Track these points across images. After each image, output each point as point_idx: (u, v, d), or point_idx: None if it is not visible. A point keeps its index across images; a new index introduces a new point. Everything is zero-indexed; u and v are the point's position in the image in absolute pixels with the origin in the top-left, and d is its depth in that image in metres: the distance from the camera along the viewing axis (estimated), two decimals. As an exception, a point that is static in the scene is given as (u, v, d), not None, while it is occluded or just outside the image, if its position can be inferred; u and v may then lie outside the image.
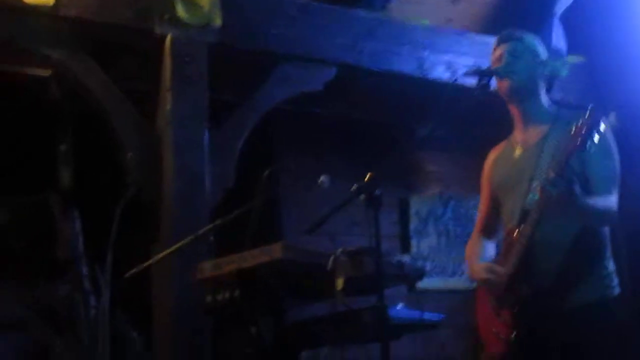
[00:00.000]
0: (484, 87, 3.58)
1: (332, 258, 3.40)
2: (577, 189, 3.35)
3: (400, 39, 6.08)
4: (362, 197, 3.24)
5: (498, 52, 3.87)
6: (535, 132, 3.80)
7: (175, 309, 4.86)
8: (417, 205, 7.59)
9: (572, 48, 6.74)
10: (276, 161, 6.56)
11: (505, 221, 3.85)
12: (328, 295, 3.47)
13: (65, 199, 5.60)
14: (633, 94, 6.87)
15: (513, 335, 3.64)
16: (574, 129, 3.30)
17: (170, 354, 4.91)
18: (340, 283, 3.35)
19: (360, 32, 5.90)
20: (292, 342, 3.79)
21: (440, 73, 6.18)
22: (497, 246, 4.06)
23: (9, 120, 5.63)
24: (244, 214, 3.94)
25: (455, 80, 3.71)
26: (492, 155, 4.06)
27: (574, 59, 6.85)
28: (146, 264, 4.18)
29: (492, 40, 6.28)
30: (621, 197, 3.70)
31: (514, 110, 3.89)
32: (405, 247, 7.46)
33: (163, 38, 5.15)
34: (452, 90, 3.51)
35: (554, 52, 4.05)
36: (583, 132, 3.26)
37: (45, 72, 5.60)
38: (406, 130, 7.25)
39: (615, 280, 3.71)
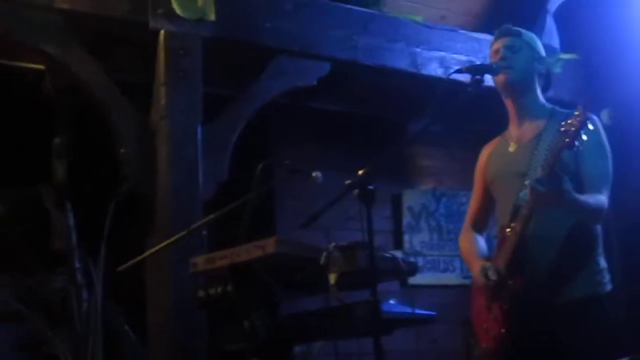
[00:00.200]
0: (477, 82, 3.58)
1: (325, 253, 3.41)
2: (567, 186, 3.36)
3: (394, 35, 6.10)
4: (356, 191, 3.24)
5: (496, 46, 3.87)
6: (530, 128, 3.81)
7: (169, 302, 4.87)
8: (410, 200, 7.60)
9: (565, 45, 6.76)
10: (270, 155, 6.56)
11: (498, 217, 3.86)
12: (321, 290, 3.48)
13: (60, 192, 5.60)
14: (626, 91, 6.89)
15: (502, 332, 3.65)
16: (563, 127, 3.30)
17: (163, 347, 4.93)
18: (333, 278, 3.36)
19: (355, 27, 5.92)
20: (286, 336, 3.79)
21: (433, 69, 6.20)
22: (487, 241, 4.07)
23: (3, 113, 5.62)
24: (238, 207, 3.94)
25: (449, 76, 3.69)
26: (487, 151, 4.06)
27: (566, 56, 6.87)
28: (140, 257, 4.18)
29: (485, 37, 6.40)
30: (614, 195, 3.72)
31: (510, 106, 3.90)
32: (398, 243, 7.48)
33: (157, 32, 5.15)
34: (446, 85, 3.51)
35: (546, 49, 4.04)
36: (572, 130, 3.26)
37: (39, 65, 5.60)
38: (400, 125, 7.26)
39: (607, 277, 3.72)
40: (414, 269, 3.82)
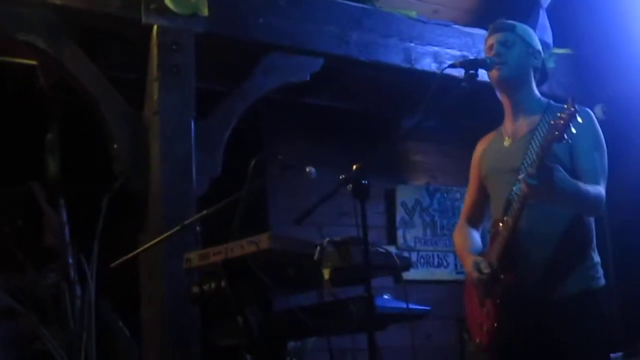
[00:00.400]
0: (471, 77, 3.57)
1: (318, 248, 3.41)
2: (560, 174, 3.34)
3: (388, 30, 6.10)
4: (350, 186, 3.24)
5: (490, 42, 3.86)
6: (525, 123, 3.80)
7: (163, 298, 4.86)
8: (404, 196, 7.61)
9: (559, 40, 6.76)
10: (264, 151, 6.56)
11: (492, 212, 3.86)
12: (315, 286, 3.47)
13: (52, 189, 5.58)
14: (620, 86, 6.90)
15: (495, 326, 3.65)
16: (553, 121, 3.29)
17: (157, 343, 4.92)
18: (327, 273, 3.36)
19: (348, 23, 5.91)
20: (279, 332, 3.79)
21: (427, 64, 6.21)
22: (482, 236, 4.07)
23: (-5, 109, 5.62)
24: (231, 203, 3.94)
25: (443, 71, 3.68)
26: (481, 145, 4.05)
27: (560, 51, 6.87)
28: (133, 253, 4.17)
29: (479, 32, 6.40)
30: (609, 189, 3.71)
31: (505, 101, 3.89)
32: (392, 238, 7.48)
33: (150, 27, 5.14)
34: (439, 80, 3.49)
35: (540, 44, 4.02)
36: (561, 123, 3.24)
37: (31, 61, 5.58)
38: (393, 120, 7.27)
39: (600, 272, 3.72)
40: (407, 265, 3.81)
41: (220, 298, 3.71)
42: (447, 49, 6.34)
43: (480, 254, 3.86)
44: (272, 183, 6.48)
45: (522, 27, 3.89)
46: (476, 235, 4.04)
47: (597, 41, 7.06)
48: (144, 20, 5.10)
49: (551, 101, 3.84)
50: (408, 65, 6.13)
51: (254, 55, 5.56)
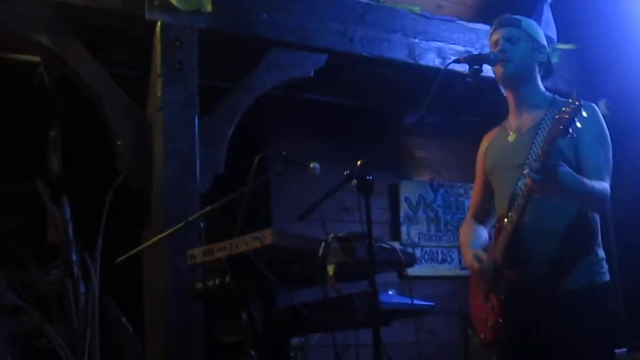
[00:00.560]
0: (475, 72, 3.57)
1: (323, 244, 3.40)
2: (564, 169, 3.33)
3: (391, 26, 6.09)
4: (354, 182, 3.24)
5: (495, 37, 3.84)
6: (529, 118, 3.79)
7: (166, 294, 4.86)
8: (408, 191, 7.61)
9: (562, 35, 6.75)
10: (267, 147, 6.56)
11: (497, 207, 3.86)
12: (319, 281, 3.47)
13: (55, 185, 5.59)
14: (623, 81, 6.89)
15: (500, 322, 3.65)
16: (557, 115, 3.28)
17: (160, 339, 4.92)
18: (331, 269, 3.35)
19: (351, 18, 5.91)
20: (283, 328, 3.79)
21: (431, 60, 6.20)
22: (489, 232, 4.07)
23: (-2, 107, 5.62)
24: (235, 199, 3.93)
25: (447, 66, 3.67)
26: (486, 140, 4.05)
27: (564, 46, 6.86)
28: (136, 249, 4.17)
29: (483, 27, 6.39)
30: (613, 185, 3.71)
31: (509, 96, 3.88)
32: (395, 234, 7.48)
33: (153, 24, 5.14)
34: (443, 76, 3.49)
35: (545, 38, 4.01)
36: (566, 117, 3.23)
37: (34, 58, 5.58)
38: (397, 116, 7.26)
39: (605, 267, 3.71)
40: (412, 260, 3.82)
41: (224, 294, 3.72)
42: (451, 45, 6.33)
43: (485, 248, 3.85)
44: (275, 179, 6.48)
45: (528, 22, 3.88)
46: (482, 231, 4.03)
47: (601, 36, 7.05)
48: (147, 16, 5.10)
49: (556, 96, 3.83)
50: (412, 61, 6.13)
51: (257, 51, 5.55)
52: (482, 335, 3.80)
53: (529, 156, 3.64)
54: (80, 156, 5.75)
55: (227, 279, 3.66)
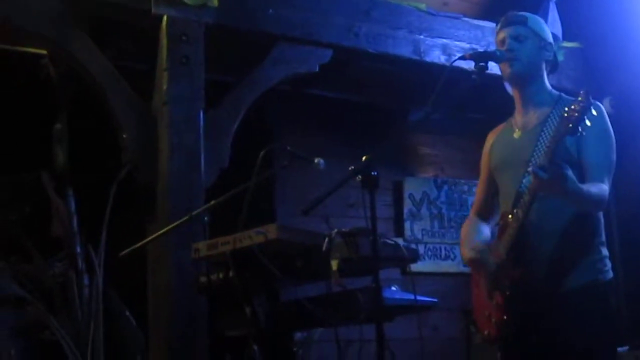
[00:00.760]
0: (481, 69, 3.57)
1: (327, 239, 3.41)
2: (569, 173, 3.34)
3: (397, 22, 6.09)
4: (359, 177, 3.24)
5: (501, 35, 3.82)
6: (535, 116, 3.78)
7: (170, 288, 4.87)
8: (412, 188, 7.62)
9: (567, 33, 6.75)
10: (272, 142, 6.56)
11: (501, 204, 3.86)
12: (323, 276, 3.48)
13: (60, 178, 5.59)
14: (628, 80, 6.89)
15: (504, 319, 3.65)
16: (566, 113, 3.28)
17: (164, 332, 4.93)
18: (335, 264, 3.36)
19: (357, 14, 5.91)
20: (287, 322, 3.79)
21: (436, 56, 6.20)
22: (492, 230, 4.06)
23: (4, 99, 5.62)
24: (240, 194, 3.94)
25: (453, 63, 3.68)
26: (492, 137, 4.04)
27: (569, 44, 6.86)
28: (141, 243, 4.18)
29: (488, 24, 6.39)
30: (615, 184, 3.71)
31: (515, 94, 3.86)
32: (399, 230, 7.49)
33: (160, 18, 5.15)
34: (448, 73, 3.49)
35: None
36: (575, 116, 3.23)
37: (41, 51, 5.59)
38: (401, 112, 7.27)
39: (609, 265, 3.71)
40: (415, 256, 3.82)
41: (228, 288, 3.72)
42: (456, 42, 6.33)
43: (487, 246, 3.85)
44: (280, 174, 6.49)
45: (534, 20, 3.86)
46: (484, 228, 4.02)
47: (606, 35, 7.05)
48: (153, 10, 5.11)
49: (562, 94, 3.83)
50: (417, 58, 6.13)
51: (263, 46, 5.56)
52: (485, 332, 3.80)
53: (535, 153, 3.64)
54: (86, 149, 5.75)
55: (231, 273, 3.67)
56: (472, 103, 5.93)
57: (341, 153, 5.81)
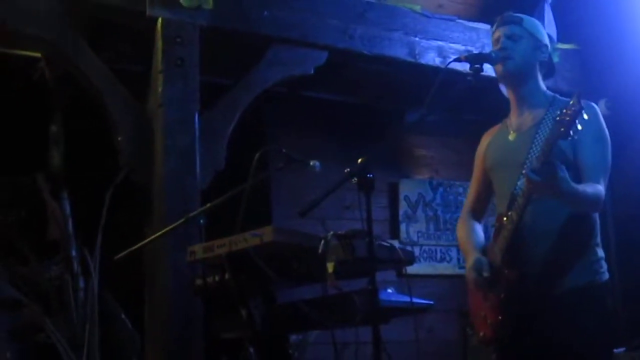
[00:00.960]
0: (476, 72, 3.57)
1: (323, 241, 3.41)
2: (563, 174, 3.34)
3: (392, 24, 6.10)
4: (355, 179, 3.24)
5: (496, 35, 3.83)
6: (530, 117, 3.79)
7: (166, 291, 4.87)
8: (407, 190, 7.62)
9: (563, 35, 6.76)
10: (268, 144, 6.56)
11: (497, 205, 3.86)
12: (319, 279, 3.48)
13: (56, 181, 5.59)
14: (623, 81, 6.90)
15: (500, 320, 3.65)
16: (558, 117, 3.28)
17: (160, 335, 4.93)
18: (331, 266, 3.36)
19: (352, 16, 5.91)
20: (282, 325, 3.80)
21: (431, 58, 6.21)
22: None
23: (0, 102, 5.61)
24: (235, 196, 3.94)
25: (448, 65, 3.68)
26: (486, 138, 4.04)
27: (564, 46, 6.87)
28: (137, 245, 4.17)
29: (483, 26, 6.40)
30: (612, 185, 3.71)
31: (510, 95, 3.87)
32: (395, 232, 7.49)
33: (155, 20, 5.14)
34: (444, 75, 3.49)
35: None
36: (567, 119, 3.23)
37: (36, 53, 5.58)
38: (397, 114, 7.27)
39: (605, 266, 3.71)
40: (411, 259, 3.82)
41: (224, 290, 3.73)
42: (451, 44, 6.34)
43: (484, 247, 3.85)
44: (275, 176, 6.49)
45: (530, 21, 3.87)
46: (479, 229, 4.03)
47: (602, 36, 7.06)
48: (148, 12, 5.11)
49: (557, 95, 3.83)
50: (412, 60, 6.13)
51: (258, 48, 5.56)
52: (481, 334, 3.80)
53: (529, 155, 3.64)
54: (81, 151, 5.75)
55: (227, 275, 3.67)
56: (468, 105, 5.93)
57: (337, 155, 5.83)
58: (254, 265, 3.54)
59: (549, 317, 3.58)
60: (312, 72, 5.74)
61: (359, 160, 3.26)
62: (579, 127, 3.22)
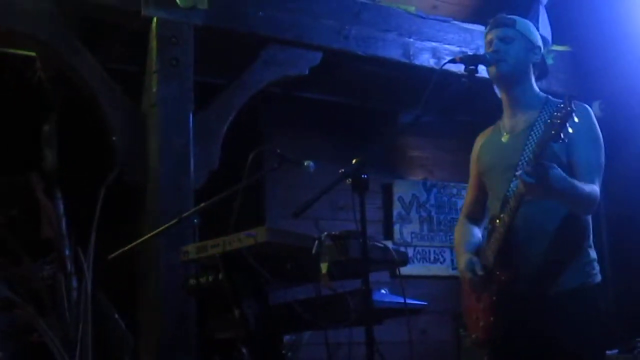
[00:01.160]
0: (471, 73, 3.57)
1: (317, 242, 3.41)
2: (556, 173, 3.34)
3: (387, 25, 6.10)
4: (349, 180, 3.24)
5: (489, 37, 3.84)
6: (523, 119, 3.79)
7: (159, 290, 4.87)
8: (401, 190, 7.62)
9: (557, 37, 6.76)
10: (262, 144, 6.57)
11: (490, 208, 3.86)
12: (312, 279, 3.48)
13: (49, 180, 5.58)
14: (617, 83, 6.92)
15: (492, 321, 3.66)
16: (550, 120, 3.28)
17: (153, 335, 4.93)
18: (325, 267, 3.36)
19: (347, 17, 5.92)
20: (276, 325, 3.80)
21: (426, 59, 6.21)
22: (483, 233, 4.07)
23: (-7, 100, 5.62)
24: (229, 196, 3.94)
25: (442, 66, 3.68)
26: (480, 140, 4.04)
27: (559, 48, 6.88)
28: (130, 245, 4.17)
29: (477, 28, 6.40)
30: (605, 187, 3.71)
31: (503, 96, 3.87)
32: (388, 233, 7.49)
33: (149, 19, 5.14)
34: (438, 76, 3.49)
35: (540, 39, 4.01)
36: (558, 122, 3.24)
37: (30, 52, 5.57)
38: (391, 115, 7.27)
39: (597, 268, 3.71)
40: (405, 260, 3.82)
41: (218, 291, 3.73)
42: (445, 45, 6.34)
43: (478, 250, 3.86)
44: (270, 177, 6.49)
45: (523, 22, 3.87)
46: (476, 231, 4.02)
47: (596, 38, 7.07)
48: (143, 12, 5.10)
49: (549, 96, 3.83)
50: (406, 60, 6.14)
51: (252, 48, 5.56)
52: (474, 336, 3.81)
53: (522, 157, 3.64)
54: (75, 151, 5.74)
55: (221, 275, 3.67)
56: (462, 106, 5.93)
57: (331, 155, 5.82)
58: (247, 266, 3.54)
59: (541, 318, 3.58)
60: (307, 72, 5.74)
61: (353, 161, 3.27)
62: (570, 129, 3.22)
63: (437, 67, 6.02)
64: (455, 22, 6.49)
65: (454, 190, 7.84)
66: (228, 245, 3.56)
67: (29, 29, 5.00)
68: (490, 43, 3.81)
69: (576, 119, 3.22)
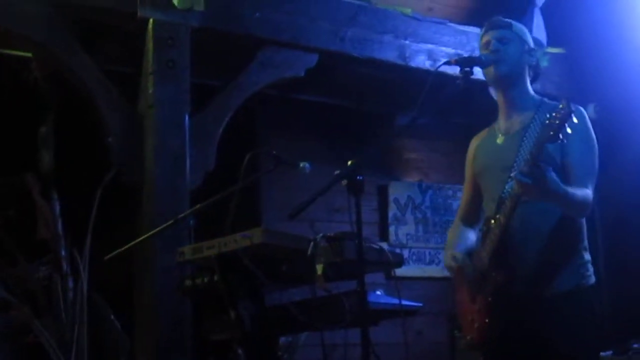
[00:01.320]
0: (466, 74, 3.58)
1: (312, 243, 3.42)
2: (552, 177, 3.35)
3: (383, 27, 6.10)
4: (345, 182, 3.25)
5: (486, 38, 3.85)
6: (518, 121, 3.80)
7: (155, 292, 4.87)
8: (396, 192, 7.63)
9: (552, 39, 6.78)
10: (258, 145, 6.57)
11: (485, 209, 3.87)
12: (308, 281, 3.48)
13: (45, 181, 5.58)
14: (612, 86, 6.93)
15: (486, 323, 3.66)
16: (548, 120, 3.29)
17: (149, 336, 4.93)
18: (320, 268, 3.37)
19: (343, 19, 5.92)
20: (271, 326, 3.80)
21: (421, 61, 6.21)
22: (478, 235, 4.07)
23: (-11, 101, 5.62)
24: (225, 198, 3.94)
25: (438, 68, 3.69)
26: (475, 142, 4.05)
27: (554, 50, 6.89)
28: (126, 246, 4.17)
29: (473, 30, 6.41)
30: (599, 189, 3.72)
31: (499, 98, 3.88)
32: (384, 234, 7.50)
33: (146, 21, 5.14)
34: (434, 78, 3.50)
35: (534, 43, 4.03)
36: (556, 123, 3.25)
37: (26, 53, 5.57)
38: (387, 117, 7.28)
39: (591, 270, 3.72)
40: (400, 261, 3.82)
41: (213, 292, 3.73)
42: (441, 47, 6.34)
43: (471, 251, 3.87)
44: (265, 178, 6.49)
45: (518, 25, 3.89)
46: (469, 234, 4.02)
47: (590, 41, 7.09)
48: (139, 13, 5.10)
49: (544, 99, 3.85)
50: (402, 62, 6.14)
51: (249, 50, 5.56)
52: (468, 337, 3.81)
53: (517, 159, 3.66)
54: (71, 152, 5.75)
55: (216, 277, 3.67)
56: (457, 108, 5.95)
57: (327, 157, 5.83)
58: (243, 267, 3.55)
59: (536, 320, 3.59)
60: (303, 74, 5.74)
61: (349, 163, 3.28)
62: (569, 130, 3.23)
63: (432, 69, 6.02)
64: (451, 24, 6.50)
65: (449, 192, 7.85)
66: (224, 246, 3.56)
67: (25, 30, 5.00)
68: (487, 44, 3.82)
69: (575, 120, 3.24)
